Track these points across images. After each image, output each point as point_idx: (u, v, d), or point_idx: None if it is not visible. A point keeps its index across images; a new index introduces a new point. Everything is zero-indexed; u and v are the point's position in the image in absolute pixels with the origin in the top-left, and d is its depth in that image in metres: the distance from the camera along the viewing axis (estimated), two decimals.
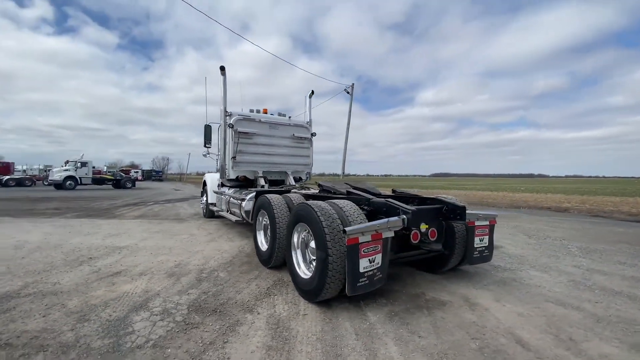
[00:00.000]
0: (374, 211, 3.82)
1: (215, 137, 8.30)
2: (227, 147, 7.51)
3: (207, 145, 8.40)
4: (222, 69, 7.37)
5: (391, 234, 3.19)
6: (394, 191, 5.08)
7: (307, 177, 8.86)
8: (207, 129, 8.26)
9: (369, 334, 2.76)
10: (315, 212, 3.33)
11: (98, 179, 29.57)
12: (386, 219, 3.19)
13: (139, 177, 53.27)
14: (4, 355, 2.38)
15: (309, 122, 8.80)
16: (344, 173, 27.44)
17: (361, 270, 2.95)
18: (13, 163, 35.60)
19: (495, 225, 4.27)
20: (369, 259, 3.00)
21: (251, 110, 8.15)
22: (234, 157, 7.42)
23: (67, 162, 28.14)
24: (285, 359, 2.41)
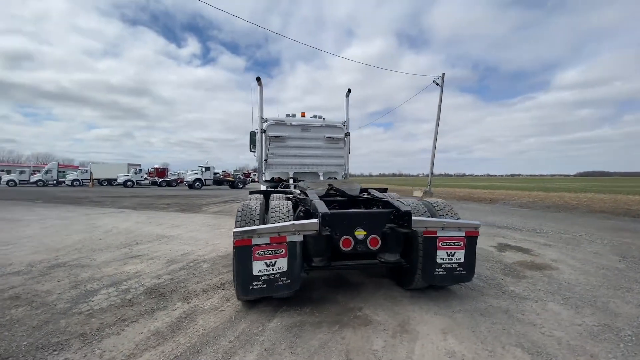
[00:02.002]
0: (311, 213, 3.59)
1: None
2: (262, 150, 8.14)
3: (252, 150, 9.29)
4: (258, 79, 8.06)
5: (299, 238, 2.98)
6: (367, 193, 4.57)
7: (343, 177, 8.69)
8: (252, 135, 9.13)
9: (247, 340, 2.68)
10: (238, 210, 3.40)
11: (218, 180, 35.79)
12: (291, 222, 3.00)
13: (256, 179, 62.01)
14: (9, 304, 3.39)
15: (345, 122, 8.62)
16: (432, 173, 25.10)
17: (255, 273, 2.88)
18: (166, 169, 46.88)
19: (478, 237, 3.35)
20: (266, 262, 2.90)
21: (287, 115, 8.57)
22: (265, 160, 7.99)
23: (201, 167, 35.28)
24: (156, 343, 2.63)
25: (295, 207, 4.06)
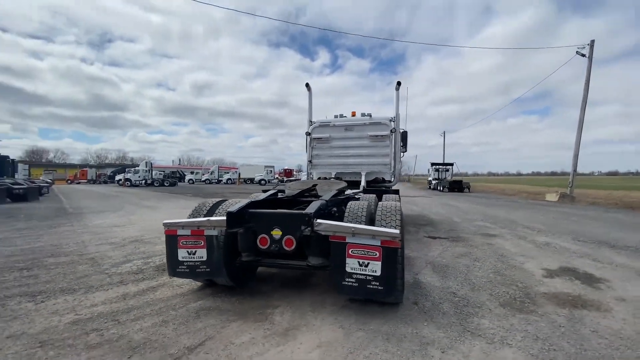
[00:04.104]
0: None
1: None
2: (308, 152, 8.62)
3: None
4: (307, 85, 8.62)
5: (214, 233, 3.34)
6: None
7: (391, 178, 8.12)
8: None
9: (161, 312, 3.25)
10: (196, 205, 4.01)
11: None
12: (207, 218, 3.37)
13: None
14: (83, 262, 5.10)
15: (394, 118, 8.03)
16: (574, 171, 19.12)
17: (180, 258, 3.42)
18: (293, 169, 53.50)
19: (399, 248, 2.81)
20: (188, 251, 3.40)
21: (335, 116, 8.70)
22: (310, 161, 8.43)
23: None
24: (115, 301, 3.53)
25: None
